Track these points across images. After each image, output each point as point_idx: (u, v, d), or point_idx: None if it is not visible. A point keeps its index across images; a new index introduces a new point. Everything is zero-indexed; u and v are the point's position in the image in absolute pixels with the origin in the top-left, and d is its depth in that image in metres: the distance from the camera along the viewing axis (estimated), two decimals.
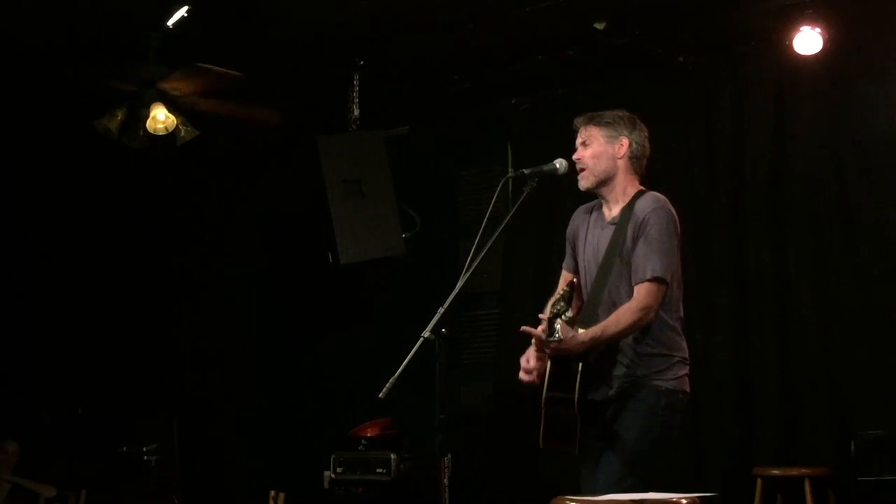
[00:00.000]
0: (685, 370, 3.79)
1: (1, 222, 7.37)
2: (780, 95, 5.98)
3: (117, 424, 7.48)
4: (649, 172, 6.40)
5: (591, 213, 3.97)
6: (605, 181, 3.86)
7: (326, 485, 6.64)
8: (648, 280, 3.66)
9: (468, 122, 7.22)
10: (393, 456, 6.35)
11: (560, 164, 3.82)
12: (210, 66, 6.03)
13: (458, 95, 6.87)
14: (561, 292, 3.60)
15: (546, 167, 3.80)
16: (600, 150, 3.85)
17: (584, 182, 3.87)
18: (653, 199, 3.81)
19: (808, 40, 5.65)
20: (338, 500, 6.53)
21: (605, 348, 3.68)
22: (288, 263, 7.72)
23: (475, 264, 3.54)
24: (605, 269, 3.78)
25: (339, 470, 6.56)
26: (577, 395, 3.62)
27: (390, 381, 3.36)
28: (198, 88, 6.45)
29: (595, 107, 6.62)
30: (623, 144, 3.87)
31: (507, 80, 6.66)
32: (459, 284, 3.51)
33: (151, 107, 6.15)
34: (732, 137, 6.12)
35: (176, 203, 8.01)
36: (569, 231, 4.05)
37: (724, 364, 5.90)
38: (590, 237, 3.91)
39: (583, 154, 3.87)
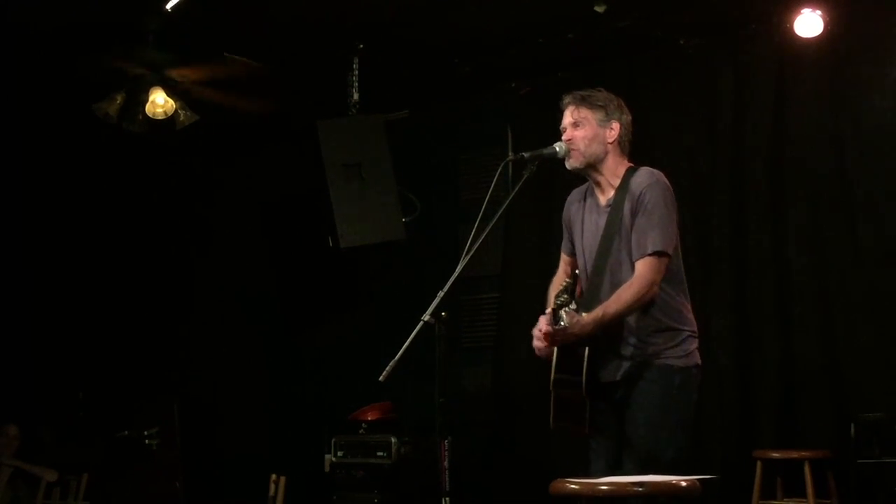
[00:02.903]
0: (695, 343, 3.76)
1: (1, 208, 7.37)
2: (781, 78, 5.97)
3: (119, 408, 7.50)
4: (650, 156, 6.43)
5: (584, 198, 3.95)
6: (594, 164, 3.84)
7: (327, 468, 6.66)
8: (649, 254, 3.65)
9: (468, 105, 7.21)
10: (393, 439, 6.37)
11: (560, 147, 3.81)
12: (209, 50, 6.01)
13: (458, 79, 6.86)
14: (563, 284, 3.60)
15: (546, 151, 3.79)
16: (592, 133, 3.82)
17: (574, 162, 3.84)
18: (647, 173, 3.80)
19: (808, 23, 5.64)
20: (338, 483, 6.55)
21: (612, 328, 3.65)
22: (288, 247, 7.72)
23: (475, 248, 3.54)
24: (604, 251, 3.76)
25: (339, 453, 6.58)
26: (584, 378, 3.61)
27: (390, 364, 3.36)
28: (197, 72, 6.44)
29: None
30: (614, 129, 3.84)
31: (508, 63, 6.64)
32: (459, 268, 3.51)
33: (150, 91, 6.15)
34: (733, 120, 6.10)
35: (175, 188, 8.01)
36: (564, 215, 4.03)
37: (724, 347, 5.91)
38: (587, 223, 3.89)
39: (574, 134, 3.83)
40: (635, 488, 3.12)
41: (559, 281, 3.90)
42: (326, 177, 6.29)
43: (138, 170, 7.74)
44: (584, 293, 3.79)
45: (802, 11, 5.61)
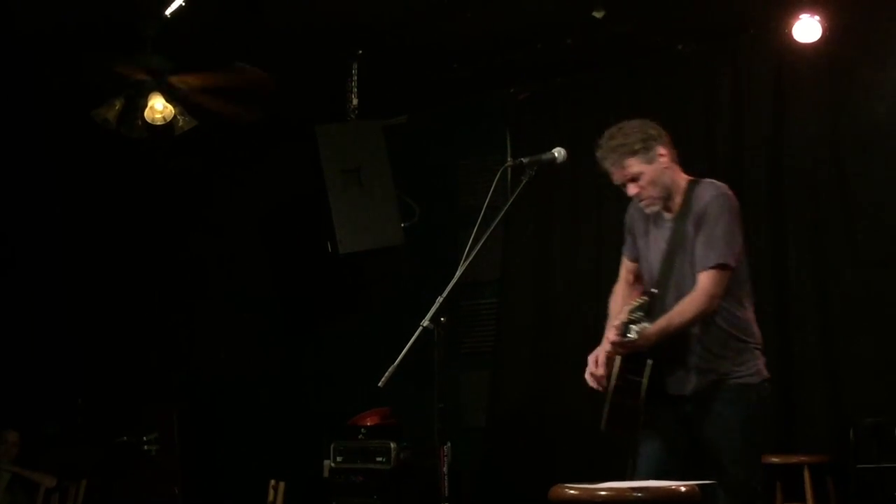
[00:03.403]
0: (762, 358, 3.76)
1: (0, 215, 7.36)
2: (780, 83, 5.98)
3: (118, 414, 7.49)
4: None
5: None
6: (670, 194, 3.83)
7: (326, 474, 6.65)
8: (711, 267, 3.65)
9: (467, 111, 7.22)
10: (392, 445, 6.36)
11: (559, 153, 3.80)
12: (208, 56, 6.01)
13: (456, 84, 6.86)
14: (639, 301, 3.61)
15: (545, 156, 3.78)
16: (651, 175, 3.79)
17: (655, 208, 3.84)
18: (711, 186, 3.80)
19: (807, 28, 5.65)
20: (337, 488, 6.54)
21: (678, 339, 3.66)
22: (287, 253, 7.72)
23: (474, 253, 3.53)
24: (668, 264, 3.77)
25: (338, 459, 6.57)
26: (643, 387, 3.63)
27: (389, 370, 3.36)
28: (195, 78, 6.43)
29: (594, 96, 6.68)
30: (663, 154, 3.82)
31: (506, 68, 6.65)
32: (458, 274, 3.51)
33: (149, 96, 6.14)
34: (732, 125, 6.11)
35: (175, 193, 8.01)
36: (627, 219, 4.03)
37: None
38: (651, 235, 3.89)
39: (640, 188, 3.81)
40: (635, 494, 3.12)
41: (621, 290, 3.96)
42: (325, 182, 6.30)
43: (137, 175, 7.74)
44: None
45: (801, 17, 5.62)
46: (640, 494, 3.11)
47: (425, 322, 3.39)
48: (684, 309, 3.63)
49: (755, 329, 3.79)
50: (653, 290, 3.73)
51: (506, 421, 6.72)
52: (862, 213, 5.68)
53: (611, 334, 3.64)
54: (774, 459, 5.49)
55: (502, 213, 3.70)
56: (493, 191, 3.68)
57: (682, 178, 3.86)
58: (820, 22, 5.61)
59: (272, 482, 6.10)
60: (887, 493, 5.28)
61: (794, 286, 5.82)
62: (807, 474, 5.38)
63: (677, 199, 3.82)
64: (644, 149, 3.79)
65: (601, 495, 3.15)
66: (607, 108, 6.60)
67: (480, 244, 3.53)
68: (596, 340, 6.36)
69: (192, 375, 7.88)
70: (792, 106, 5.93)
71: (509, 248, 6.85)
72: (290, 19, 5.85)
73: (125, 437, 7.30)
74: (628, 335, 3.54)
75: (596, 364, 3.78)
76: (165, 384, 7.75)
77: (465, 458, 6.09)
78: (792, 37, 5.71)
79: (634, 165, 3.79)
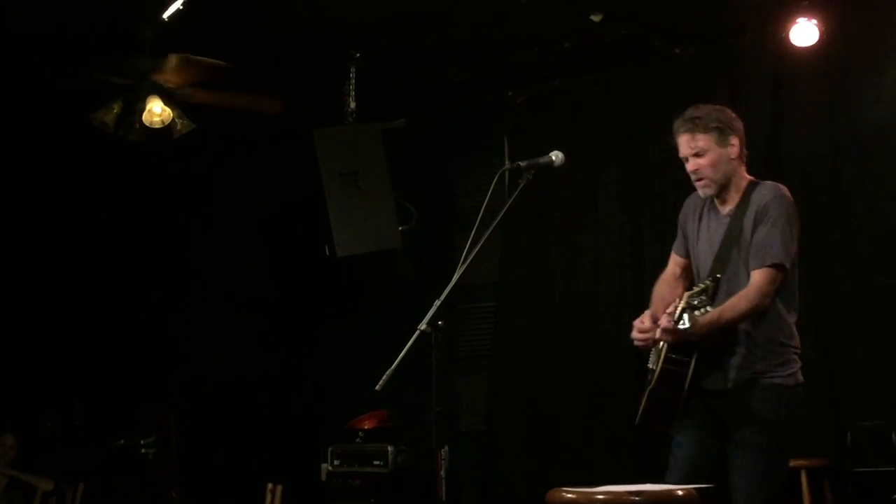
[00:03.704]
0: (799, 363, 3.77)
1: None
2: (777, 87, 5.98)
3: (115, 417, 7.49)
4: (643, 164, 6.46)
5: (703, 203, 3.94)
6: (726, 184, 3.84)
7: (324, 477, 6.65)
8: (767, 266, 3.66)
9: (465, 114, 7.22)
10: (390, 448, 6.36)
11: (556, 156, 3.80)
12: (206, 59, 6.01)
13: (454, 88, 6.87)
14: (703, 286, 3.60)
15: (542, 159, 3.78)
16: (716, 157, 3.80)
17: (707, 191, 3.85)
18: (773, 187, 3.81)
19: (804, 32, 5.66)
20: (335, 492, 6.54)
21: (722, 335, 3.68)
22: (285, 256, 7.72)
23: (471, 257, 3.53)
24: (721, 258, 3.77)
25: (336, 462, 6.57)
26: (688, 381, 3.64)
27: (387, 373, 3.36)
28: (193, 81, 6.43)
29: (592, 99, 6.69)
30: (735, 145, 3.83)
31: (504, 72, 6.65)
32: (456, 277, 3.50)
33: (147, 100, 6.14)
34: None
35: (172, 196, 8.00)
36: (681, 216, 4.04)
37: None
38: (703, 229, 3.90)
39: (700, 164, 3.82)
40: (632, 497, 3.12)
41: (667, 281, 3.97)
42: (323, 185, 6.30)
43: (135, 178, 7.73)
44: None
45: (798, 21, 5.62)
46: (637, 498, 3.11)
47: (423, 325, 3.38)
48: (737, 303, 3.64)
49: (796, 334, 3.80)
50: (718, 274, 3.70)
51: (503, 424, 6.72)
52: (859, 218, 5.68)
53: (664, 320, 3.63)
54: None
55: (500, 216, 3.70)
56: (491, 194, 3.67)
57: (745, 177, 3.87)
58: (817, 26, 5.61)
59: (270, 485, 6.10)
60: (885, 497, 5.28)
61: None
62: (804, 478, 5.38)
63: (735, 195, 3.83)
64: (719, 130, 3.81)
65: (598, 499, 3.15)
66: (605, 112, 6.63)
67: (478, 247, 3.53)
68: (595, 341, 6.41)
69: (189, 379, 7.88)
70: (789, 110, 5.94)
71: (507, 252, 6.85)
72: (288, 22, 5.85)
73: (123, 441, 7.29)
74: (681, 324, 3.53)
75: (641, 322, 3.78)
76: (163, 387, 7.75)
77: (462, 462, 6.09)
78: (789, 41, 5.71)
79: (703, 141, 3.81)
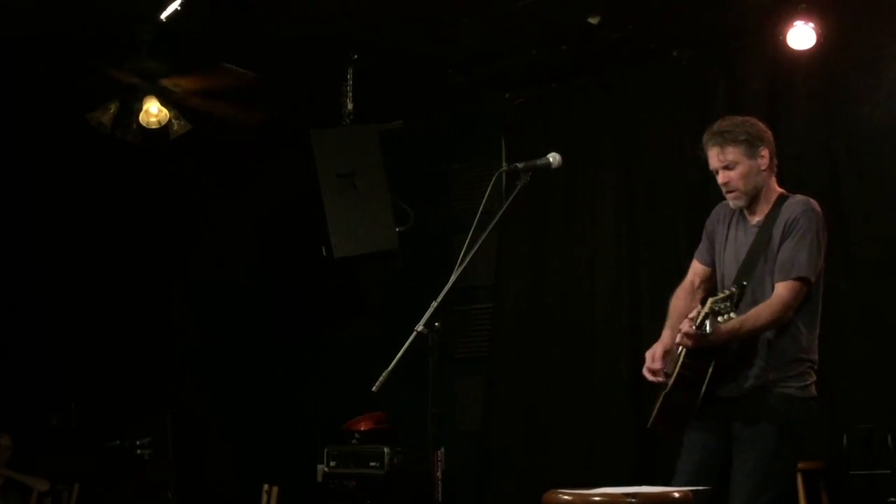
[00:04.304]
0: (814, 377, 3.80)
1: None
2: (774, 90, 5.99)
3: (111, 418, 7.48)
4: (645, 165, 6.46)
5: (732, 213, 3.96)
6: (756, 195, 3.86)
7: (320, 478, 6.64)
8: (793, 279, 3.68)
9: (462, 116, 7.23)
10: (386, 450, 6.35)
11: (553, 158, 3.81)
12: (204, 60, 6.02)
13: (452, 89, 6.87)
14: (728, 292, 3.58)
15: (539, 161, 3.78)
16: (746, 169, 3.83)
17: (738, 202, 3.87)
18: (803, 201, 3.84)
19: (801, 35, 5.66)
20: (331, 493, 6.54)
21: (741, 345, 3.69)
22: (281, 257, 7.71)
23: (468, 258, 3.54)
24: (747, 268, 3.78)
25: (332, 463, 6.57)
26: (704, 387, 3.65)
27: (383, 374, 3.36)
28: (190, 82, 6.44)
29: (589, 102, 6.69)
30: (764, 156, 3.86)
31: (501, 74, 6.66)
32: (453, 278, 3.51)
33: (144, 100, 6.14)
34: None
35: (169, 198, 8.00)
36: (708, 224, 4.06)
37: None
38: (730, 238, 3.92)
39: (731, 177, 3.84)
40: (628, 499, 3.12)
41: (685, 289, 3.99)
42: (320, 186, 6.30)
43: (131, 179, 7.73)
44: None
45: (795, 24, 5.63)
46: (633, 500, 3.11)
47: (419, 327, 3.39)
48: (759, 314, 3.65)
49: (815, 349, 3.83)
50: (744, 282, 3.70)
51: (500, 426, 6.71)
52: (855, 221, 5.69)
53: (685, 325, 3.64)
54: None
55: (497, 217, 3.71)
56: (488, 196, 3.68)
57: (775, 189, 3.90)
58: (814, 29, 5.62)
59: (265, 486, 6.10)
60: (881, 500, 5.28)
61: None
62: (800, 481, 5.37)
63: (764, 207, 3.85)
64: (748, 143, 3.83)
65: (594, 500, 3.15)
66: (602, 114, 6.63)
67: (475, 249, 3.53)
68: (592, 342, 6.41)
69: (185, 380, 7.87)
70: (786, 112, 5.94)
71: (504, 253, 6.85)
72: (286, 24, 5.85)
73: (118, 442, 7.28)
74: (704, 328, 3.53)
75: (653, 359, 3.81)
76: (159, 388, 7.74)
77: (459, 463, 6.08)
78: (786, 44, 5.72)
79: (733, 154, 3.83)
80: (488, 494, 6.62)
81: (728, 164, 3.84)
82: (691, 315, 3.67)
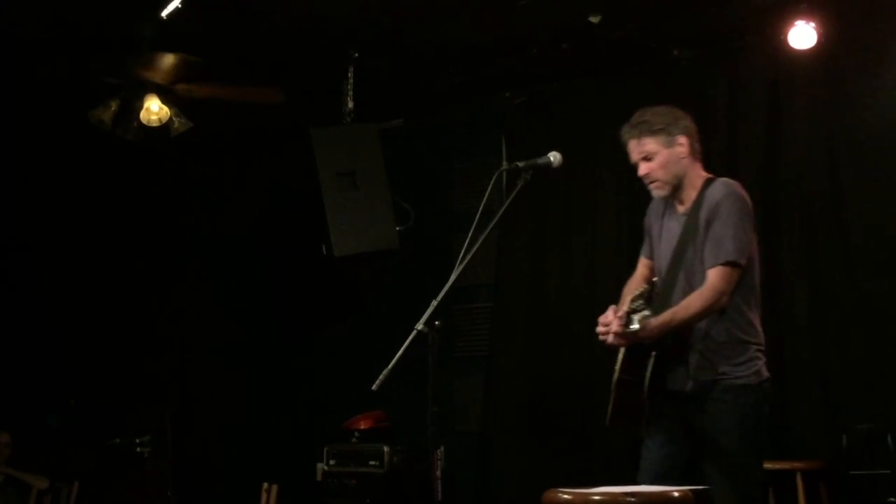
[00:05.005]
0: (763, 359, 3.77)
1: None
2: (775, 90, 5.99)
3: (110, 416, 7.48)
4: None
5: (664, 205, 3.96)
6: (679, 184, 3.86)
7: (319, 477, 6.64)
8: (721, 264, 3.66)
9: (463, 115, 7.23)
10: (386, 448, 6.35)
11: (554, 157, 3.81)
12: (204, 58, 6.01)
13: (452, 88, 6.87)
14: (640, 290, 3.62)
15: (540, 160, 3.79)
16: (665, 158, 3.83)
17: (661, 192, 3.87)
18: (723, 184, 3.81)
19: (802, 35, 5.66)
20: (331, 492, 6.53)
21: (679, 334, 3.68)
22: (282, 256, 7.71)
23: (469, 257, 3.54)
24: (678, 258, 3.78)
25: (332, 462, 6.56)
26: (647, 382, 3.64)
27: (383, 373, 3.36)
28: (191, 80, 6.42)
29: (589, 101, 6.69)
30: (682, 143, 3.85)
31: (502, 73, 6.65)
32: (453, 277, 3.51)
33: (145, 98, 6.14)
34: (727, 131, 6.12)
35: (169, 195, 8.00)
36: (646, 220, 4.06)
37: None
38: (664, 230, 3.92)
39: (650, 168, 3.85)
40: (628, 498, 3.12)
41: (635, 283, 3.96)
42: (320, 185, 6.29)
43: (132, 177, 7.73)
44: (657, 297, 3.81)
45: (796, 23, 5.63)
46: (633, 499, 3.11)
47: (420, 325, 3.39)
48: (690, 304, 3.64)
49: (759, 330, 3.79)
50: (654, 279, 3.73)
51: (500, 425, 6.72)
52: (856, 220, 5.69)
53: (615, 325, 3.63)
54: (767, 466, 5.45)
55: (497, 217, 3.71)
56: (489, 195, 3.68)
57: (700, 175, 3.88)
58: (815, 29, 5.62)
59: (265, 485, 6.10)
60: (880, 500, 5.28)
61: (788, 293, 5.83)
62: (800, 481, 5.38)
63: (691, 194, 3.84)
64: (665, 132, 3.83)
65: (594, 500, 3.15)
66: (603, 113, 6.62)
67: (475, 248, 3.53)
68: (590, 343, 6.40)
69: (185, 378, 7.87)
70: (787, 112, 5.95)
71: (504, 252, 6.85)
72: (287, 22, 5.85)
73: (118, 439, 7.28)
74: (631, 326, 3.54)
75: (606, 317, 3.71)
76: (158, 386, 7.74)
77: (458, 462, 6.08)
78: (787, 43, 5.71)
79: (650, 144, 3.84)
80: (488, 493, 6.62)
81: (646, 154, 3.84)
82: (619, 314, 3.64)
